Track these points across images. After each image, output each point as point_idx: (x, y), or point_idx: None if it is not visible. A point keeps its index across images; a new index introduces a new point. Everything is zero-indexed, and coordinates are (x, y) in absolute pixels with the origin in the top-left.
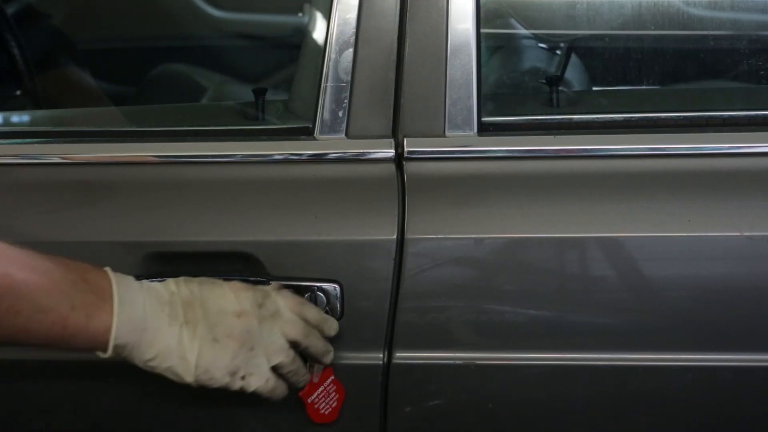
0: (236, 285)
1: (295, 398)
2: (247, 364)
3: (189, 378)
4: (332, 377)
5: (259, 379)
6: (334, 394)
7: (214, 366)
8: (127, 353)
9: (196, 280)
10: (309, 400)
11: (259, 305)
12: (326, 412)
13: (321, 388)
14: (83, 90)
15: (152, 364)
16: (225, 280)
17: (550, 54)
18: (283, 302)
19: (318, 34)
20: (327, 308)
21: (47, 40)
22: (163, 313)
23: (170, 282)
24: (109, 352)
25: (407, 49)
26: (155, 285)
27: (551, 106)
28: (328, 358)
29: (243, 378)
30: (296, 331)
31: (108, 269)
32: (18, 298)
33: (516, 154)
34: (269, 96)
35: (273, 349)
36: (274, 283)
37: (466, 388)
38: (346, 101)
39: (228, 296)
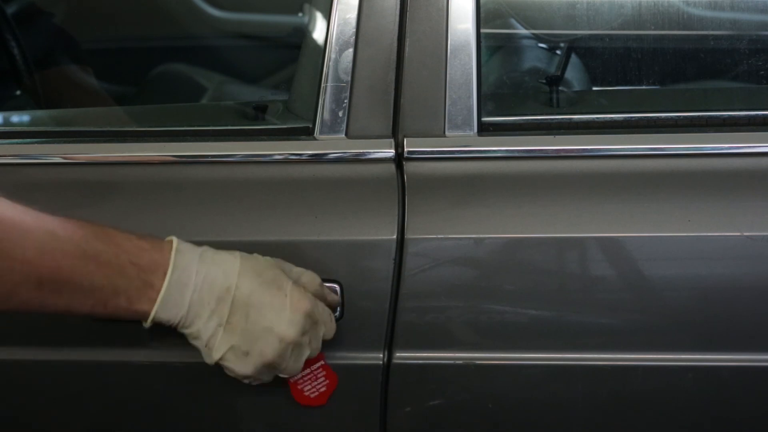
0: (298, 302)
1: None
2: (261, 375)
3: (208, 362)
4: (322, 362)
5: (262, 382)
6: (323, 379)
7: (233, 370)
8: (165, 323)
9: (263, 278)
10: (291, 380)
11: (305, 332)
12: (312, 395)
13: (307, 371)
14: (84, 89)
15: (184, 333)
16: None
17: (550, 54)
18: (323, 332)
19: (318, 34)
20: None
21: (49, 39)
22: (208, 306)
23: (235, 270)
24: (147, 326)
25: (407, 49)
26: (216, 271)
27: (551, 106)
28: None
29: (250, 382)
30: (315, 353)
31: (174, 243)
32: (61, 284)
33: (516, 154)
34: (269, 97)
35: (291, 369)
36: (333, 300)
37: (466, 388)
38: (346, 101)
39: (283, 315)
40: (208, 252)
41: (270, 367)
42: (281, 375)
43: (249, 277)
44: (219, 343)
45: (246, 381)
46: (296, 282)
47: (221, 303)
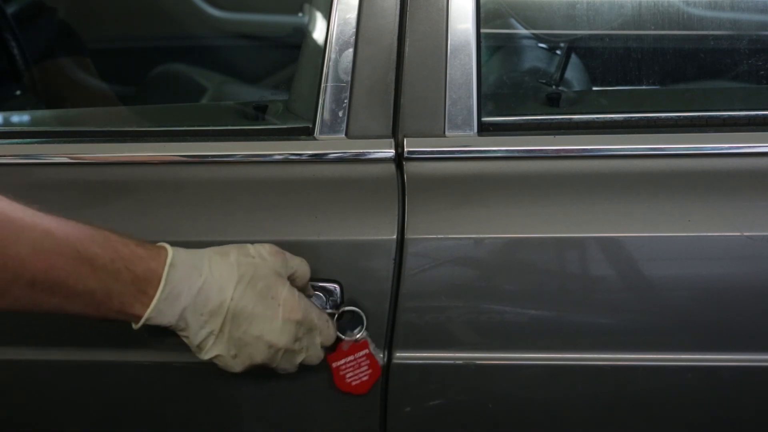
0: (290, 311)
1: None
2: (247, 371)
3: (197, 356)
4: (366, 350)
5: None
6: (366, 368)
7: (222, 367)
8: (156, 325)
9: (257, 289)
10: (334, 365)
11: (297, 339)
12: (353, 383)
13: (350, 358)
14: (84, 89)
15: (176, 329)
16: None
17: (550, 54)
18: (320, 340)
19: (318, 34)
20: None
21: (51, 37)
22: (201, 318)
23: (231, 283)
24: (136, 328)
25: (407, 49)
26: (211, 286)
27: (551, 106)
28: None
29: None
30: (313, 361)
31: (169, 257)
32: (54, 284)
33: (516, 154)
34: (269, 97)
35: (284, 368)
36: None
37: (466, 388)
38: (346, 101)
39: (275, 325)
40: (205, 262)
41: (261, 366)
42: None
43: (244, 289)
44: (210, 348)
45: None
46: (292, 279)
47: (214, 316)
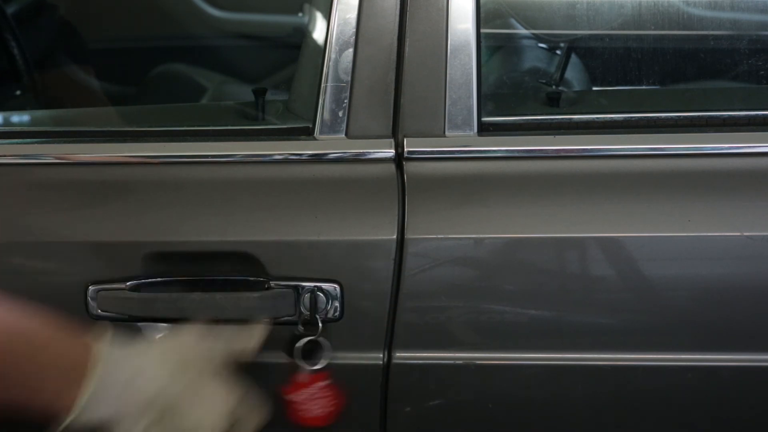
0: (223, 399)
1: (275, 393)
2: None
3: None
4: (326, 382)
5: None
6: (326, 399)
7: None
8: (85, 423)
9: (190, 375)
10: (288, 398)
11: (231, 425)
12: (312, 415)
13: (309, 389)
14: (84, 89)
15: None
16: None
17: (550, 54)
18: (255, 422)
19: (318, 34)
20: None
21: (51, 37)
22: (136, 409)
23: (163, 372)
24: (60, 429)
25: (407, 49)
26: (144, 373)
27: (551, 106)
28: None
29: None
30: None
31: (99, 344)
32: None
33: (516, 154)
34: (269, 96)
35: None
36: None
37: (466, 388)
38: (346, 101)
39: (215, 411)
40: (134, 353)
41: None
42: None
43: (176, 377)
44: None
45: None
46: (228, 353)
47: (149, 408)
